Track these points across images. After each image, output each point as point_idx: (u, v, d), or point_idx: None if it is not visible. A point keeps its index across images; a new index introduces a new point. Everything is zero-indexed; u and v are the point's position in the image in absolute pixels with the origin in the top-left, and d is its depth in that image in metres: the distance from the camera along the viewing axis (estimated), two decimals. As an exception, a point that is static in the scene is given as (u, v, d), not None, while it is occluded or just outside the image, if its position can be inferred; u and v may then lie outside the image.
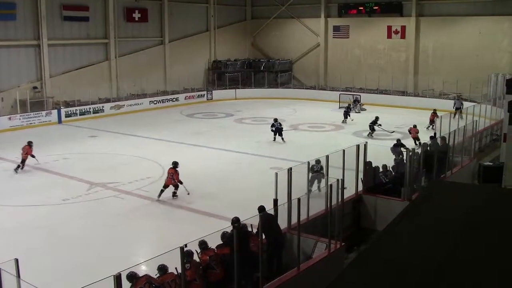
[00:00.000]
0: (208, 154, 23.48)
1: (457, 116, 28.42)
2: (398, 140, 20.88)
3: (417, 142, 22.96)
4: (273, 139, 25.37)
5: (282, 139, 25.30)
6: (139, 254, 12.92)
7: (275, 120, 25.77)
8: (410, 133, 24.77)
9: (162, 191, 16.92)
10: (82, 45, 35.43)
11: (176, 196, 17.07)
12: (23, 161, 20.60)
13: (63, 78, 33.89)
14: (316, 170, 16.96)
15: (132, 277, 8.21)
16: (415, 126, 24.81)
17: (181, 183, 17.08)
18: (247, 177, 19.67)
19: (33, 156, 20.78)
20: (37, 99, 32.20)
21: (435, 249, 5.55)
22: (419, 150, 15.31)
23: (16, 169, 20.42)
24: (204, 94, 41.25)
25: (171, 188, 16.97)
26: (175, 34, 41.45)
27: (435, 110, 29.03)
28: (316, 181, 16.45)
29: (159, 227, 14.79)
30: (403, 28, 40.30)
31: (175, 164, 17.21)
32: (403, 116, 32.25)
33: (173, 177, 16.98)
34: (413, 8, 39.44)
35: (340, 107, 36.44)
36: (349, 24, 43.07)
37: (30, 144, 21.07)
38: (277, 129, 25.38)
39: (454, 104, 32.40)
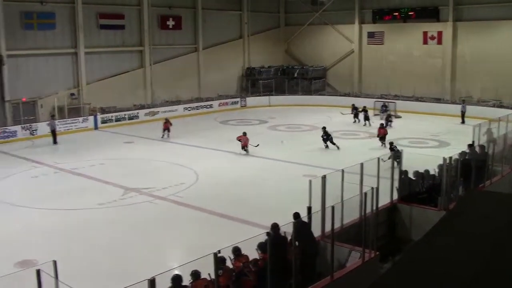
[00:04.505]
0: (242, 160, 23.54)
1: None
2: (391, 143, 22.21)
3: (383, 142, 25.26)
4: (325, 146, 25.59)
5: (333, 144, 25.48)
6: (173, 259, 13.01)
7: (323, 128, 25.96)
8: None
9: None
10: (117, 53, 36.02)
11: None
12: (165, 129, 29.03)
13: (99, 85, 34.52)
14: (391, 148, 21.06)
15: (194, 274, 8.56)
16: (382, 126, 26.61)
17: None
18: (280, 184, 19.59)
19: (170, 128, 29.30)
20: (74, 106, 32.92)
21: (471, 261, 5.41)
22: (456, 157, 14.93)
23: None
24: (238, 101, 41.42)
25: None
26: (209, 41, 41.75)
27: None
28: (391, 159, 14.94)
29: (192, 233, 14.85)
30: (440, 33, 39.45)
31: (245, 133, 24.67)
32: (438, 124, 31.71)
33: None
34: (450, 13, 38.63)
35: (375, 115, 36.08)
36: (384, 30, 42.54)
37: (167, 120, 29.59)
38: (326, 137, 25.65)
39: (462, 108, 32.93)
